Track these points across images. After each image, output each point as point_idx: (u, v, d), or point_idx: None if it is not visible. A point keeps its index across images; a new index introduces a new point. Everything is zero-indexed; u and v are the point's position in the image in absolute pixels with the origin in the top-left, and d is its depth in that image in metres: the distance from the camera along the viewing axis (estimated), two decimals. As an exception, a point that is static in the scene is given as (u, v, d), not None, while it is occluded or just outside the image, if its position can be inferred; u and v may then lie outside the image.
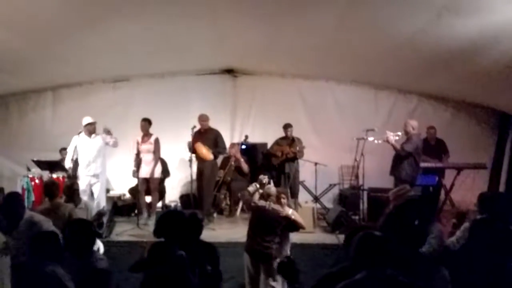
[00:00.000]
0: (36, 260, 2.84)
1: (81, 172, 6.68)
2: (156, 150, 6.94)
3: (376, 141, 6.54)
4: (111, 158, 7.46)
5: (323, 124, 8.37)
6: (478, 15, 4.57)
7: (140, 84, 8.43)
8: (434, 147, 7.48)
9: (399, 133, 6.18)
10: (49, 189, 4.91)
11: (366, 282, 2.40)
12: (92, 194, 6.72)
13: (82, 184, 6.67)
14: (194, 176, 6.99)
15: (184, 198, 7.87)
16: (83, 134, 6.69)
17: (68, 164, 6.72)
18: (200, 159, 6.98)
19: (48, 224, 3.97)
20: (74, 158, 6.68)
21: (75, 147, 6.67)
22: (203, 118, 7.04)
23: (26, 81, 7.60)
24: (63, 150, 7.12)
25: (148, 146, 6.91)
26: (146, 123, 6.92)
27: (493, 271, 3.11)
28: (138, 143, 6.93)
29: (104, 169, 6.87)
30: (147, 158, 6.90)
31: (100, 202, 6.76)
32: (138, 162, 6.88)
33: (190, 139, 6.86)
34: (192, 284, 2.96)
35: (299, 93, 8.49)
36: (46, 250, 2.92)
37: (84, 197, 6.68)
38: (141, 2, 5.00)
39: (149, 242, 3.56)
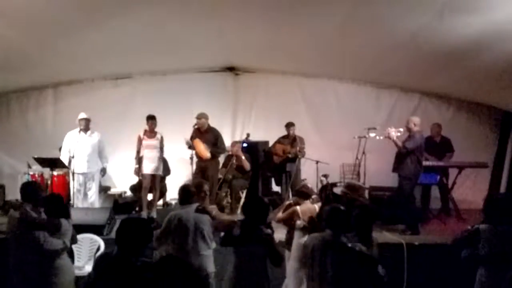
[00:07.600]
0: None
1: (75, 169, 6.58)
2: (162, 148, 6.83)
3: (377, 137, 6.52)
4: (111, 155, 7.41)
5: (325, 122, 8.35)
6: (480, 13, 4.56)
7: (141, 81, 8.40)
8: (439, 144, 7.44)
9: (401, 129, 6.13)
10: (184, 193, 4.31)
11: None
12: (86, 193, 6.70)
13: (76, 182, 6.59)
14: (195, 174, 6.94)
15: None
16: (82, 132, 6.68)
17: (65, 161, 6.65)
18: (201, 158, 6.96)
19: (32, 213, 3.96)
20: (72, 155, 6.57)
21: (71, 144, 6.60)
22: (198, 116, 6.93)
23: (27, 78, 7.58)
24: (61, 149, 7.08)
25: (155, 142, 6.73)
26: (155, 121, 6.73)
27: None
28: (139, 140, 6.76)
29: (99, 167, 6.84)
30: (152, 155, 6.72)
31: (94, 202, 6.75)
32: (139, 160, 6.76)
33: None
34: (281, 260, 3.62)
35: (300, 91, 8.46)
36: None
37: (79, 196, 6.63)
38: (143, 0, 4.99)
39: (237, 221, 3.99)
